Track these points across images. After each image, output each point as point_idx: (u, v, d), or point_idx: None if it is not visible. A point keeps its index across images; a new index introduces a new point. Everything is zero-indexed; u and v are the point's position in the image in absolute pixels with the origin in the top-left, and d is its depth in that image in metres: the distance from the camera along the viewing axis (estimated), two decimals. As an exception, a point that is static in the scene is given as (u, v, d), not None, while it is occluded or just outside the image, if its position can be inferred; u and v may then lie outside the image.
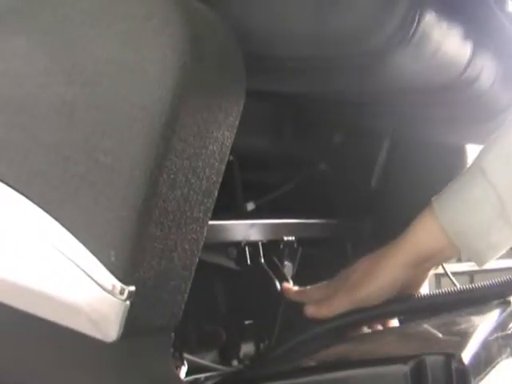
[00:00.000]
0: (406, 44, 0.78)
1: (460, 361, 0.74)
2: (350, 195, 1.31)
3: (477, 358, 0.78)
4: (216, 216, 0.85)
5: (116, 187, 0.71)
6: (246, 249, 1.06)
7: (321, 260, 1.30)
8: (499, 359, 0.89)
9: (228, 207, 1.14)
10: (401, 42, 0.78)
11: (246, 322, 1.31)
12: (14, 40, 0.79)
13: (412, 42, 0.78)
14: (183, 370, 1.02)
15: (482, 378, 0.80)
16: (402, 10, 0.78)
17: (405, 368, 0.75)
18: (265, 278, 1.14)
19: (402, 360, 0.76)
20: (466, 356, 0.75)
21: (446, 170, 1.27)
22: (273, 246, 1.12)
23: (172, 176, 0.71)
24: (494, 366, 0.87)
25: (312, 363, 0.82)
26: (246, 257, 1.07)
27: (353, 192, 1.31)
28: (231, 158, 1.09)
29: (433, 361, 0.75)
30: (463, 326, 0.88)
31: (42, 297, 0.75)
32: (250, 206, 1.19)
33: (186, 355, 1.07)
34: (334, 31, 0.80)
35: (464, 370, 0.74)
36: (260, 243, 1.09)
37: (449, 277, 1.31)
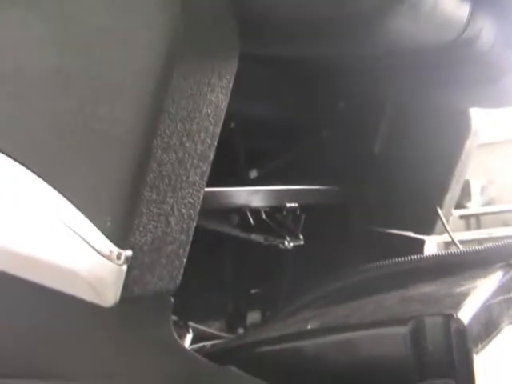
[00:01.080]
0: (402, 2, 0.77)
1: (458, 321, 0.74)
2: (353, 162, 1.31)
3: (476, 318, 0.78)
4: (218, 183, 0.85)
5: (111, 153, 0.71)
6: (249, 215, 1.06)
7: (325, 230, 1.30)
8: (502, 324, 0.89)
9: (231, 175, 1.13)
10: (397, 1, 0.77)
11: (253, 291, 1.32)
12: (9, 11, 0.79)
13: (408, 1, 0.78)
14: (188, 337, 1.03)
15: (484, 342, 0.80)
16: None
17: (404, 329, 0.75)
18: (268, 246, 1.14)
19: (402, 322, 0.76)
20: (465, 316, 0.75)
21: (450, 133, 1.27)
22: (276, 214, 1.12)
23: (166, 139, 0.71)
24: (498, 331, 0.87)
25: (313, 326, 0.82)
26: (249, 223, 1.07)
27: (356, 158, 1.31)
28: (232, 125, 1.09)
29: (431, 321, 0.75)
30: (464, 288, 0.87)
31: (41, 264, 0.75)
32: (253, 174, 1.19)
33: (191, 323, 1.08)
34: None
35: (462, 331, 0.74)
36: (263, 210, 1.09)
37: (456, 245, 1.31)
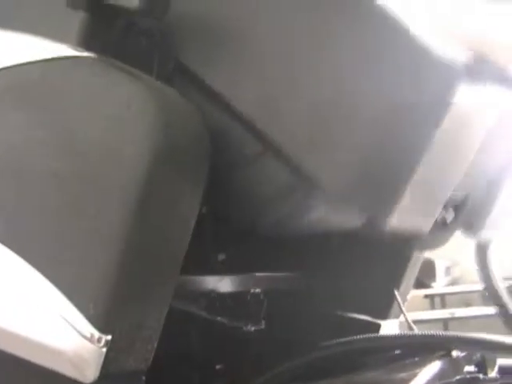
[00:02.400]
0: None
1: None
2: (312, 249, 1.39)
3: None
4: (187, 266, 0.96)
5: (96, 249, 0.83)
6: (215, 299, 1.16)
7: (287, 313, 1.38)
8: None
9: (200, 258, 1.23)
10: None
11: (217, 367, 1.40)
12: (12, 115, 0.91)
13: None
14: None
15: None
16: None
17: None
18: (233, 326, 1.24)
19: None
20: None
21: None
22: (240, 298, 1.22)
23: (145, 243, 0.82)
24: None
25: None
26: (215, 307, 1.17)
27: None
28: (203, 210, 1.20)
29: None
30: (404, 375, 0.98)
31: (28, 342, 0.86)
32: (221, 257, 1.28)
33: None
34: None
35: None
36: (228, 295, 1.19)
37: (410, 327, 1.39)
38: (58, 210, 0.85)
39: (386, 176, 0.91)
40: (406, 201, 0.92)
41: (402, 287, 1.37)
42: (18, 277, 0.86)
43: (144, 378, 0.91)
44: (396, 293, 1.34)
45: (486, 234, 1.20)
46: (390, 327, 1.40)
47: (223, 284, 1.18)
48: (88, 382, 0.83)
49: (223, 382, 1.35)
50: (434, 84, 0.88)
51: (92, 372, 0.82)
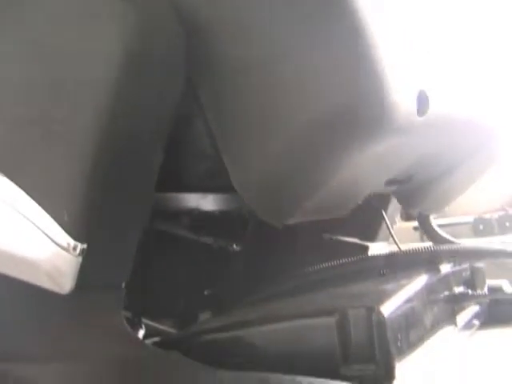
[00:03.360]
0: None
1: (379, 313, 0.82)
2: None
3: (397, 313, 0.87)
4: (168, 185, 0.94)
5: (67, 153, 0.79)
6: (199, 217, 1.14)
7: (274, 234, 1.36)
8: (425, 323, 0.98)
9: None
10: None
11: (205, 292, 1.39)
12: None
13: None
14: (141, 333, 1.10)
15: (404, 337, 0.88)
16: None
17: (329, 320, 0.84)
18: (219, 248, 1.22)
19: (328, 313, 0.85)
20: (386, 310, 0.84)
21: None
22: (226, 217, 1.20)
23: (116, 148, 0.79)
24: (427, 334, 0.96)
25: (246, 318, 0.91)
26: (200, 225, 1.15)
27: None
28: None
29: (355, 313, 0.83)
30: (390, 286, 0.96)
31: (3, 254, 0.83)
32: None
33: (143, 320, 1.15)
34: None
35: (383, 323, 0.82)
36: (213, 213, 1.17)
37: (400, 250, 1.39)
38: (29, 118, 0.82)
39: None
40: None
41: (390, 209, 1.36)
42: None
43: (123, 292, 0.89)
44: (384, 213, 1.33)
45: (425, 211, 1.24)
46: (378, 249, 1.39)
47: (206, 202, 1.15)
48: (64, 292, 0.80)
49: (211, 308, 1.33)
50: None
51: (68, 282, 0.80)
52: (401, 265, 1.09)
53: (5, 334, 0.88)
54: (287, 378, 0.78)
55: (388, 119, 0.81)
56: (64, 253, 0.79)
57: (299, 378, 0.78)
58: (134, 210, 0.84)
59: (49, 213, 0.80)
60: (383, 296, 0.88)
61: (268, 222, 0.92)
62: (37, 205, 0.80)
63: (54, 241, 0.80)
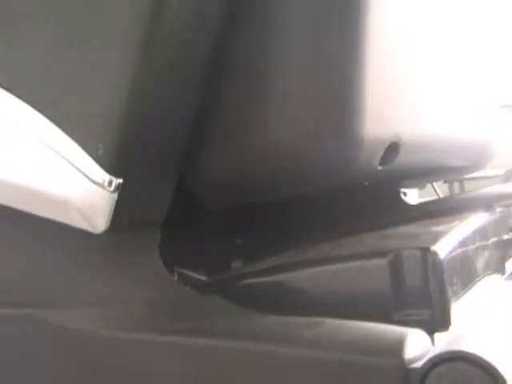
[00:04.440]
0: None
1: (435, 254, 0.77)
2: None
3: (452, 254, 0.81)
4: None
5: (103, 82, 0.73)
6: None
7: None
8: (478, 266, 0.92)
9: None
10: None
11: (237, 241, 1.35)
12: None
13: None
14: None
15: (458, 280, 0.83)
16: None
17: (382, 262, 0.78)
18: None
19: (381, 254, 0.79)
20: (441, 251, 0.78)
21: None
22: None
23: (156, 71, 0.73)
24: (476, 280, 0.90)
25: (294, 260, 0.85)
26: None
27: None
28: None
29: (409, 254, 0.78)
30: (443, 228, 0.91)
31: (33, 193, 0.78)
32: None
33: (176, 268, 1.10)
34: None
35: (438, 263, 0.77)
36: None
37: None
38: (58, 44, 0.76)
39: None
40: None
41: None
42: (16, 121, 0.77)
43: (159, 233, 0.84)
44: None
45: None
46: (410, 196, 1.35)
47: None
48: (97, 231, 0.75)
49: (242, 258, 1.29)
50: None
51: (102, 220, 0.75)
52: (450, 209, 1.04)
53: (31, 277, 0.83)
54: (340, 322, 0.73)
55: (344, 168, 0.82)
56: (98, 189, 0.74)
57: (352, 323, 0.72)
58: (172, 145, 0.79)
59: (82, 147, 0.74)
60: (437, 237, 0.83)
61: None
62: (69, 139, 0.75)
63: (87, 176, 0.74)
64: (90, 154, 0.74)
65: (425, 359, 0.65)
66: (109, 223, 0.75)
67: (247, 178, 0.83)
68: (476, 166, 1.18)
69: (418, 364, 0.65)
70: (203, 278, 1.17)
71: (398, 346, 0.66)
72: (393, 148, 0.86)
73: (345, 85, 0.80)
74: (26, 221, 0.81)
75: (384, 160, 0.85)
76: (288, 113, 0.81)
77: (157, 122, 0.76)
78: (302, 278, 0.81)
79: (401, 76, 0.85)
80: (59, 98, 0.75)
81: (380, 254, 0.79)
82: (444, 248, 0.79)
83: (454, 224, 0.92)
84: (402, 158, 0.88)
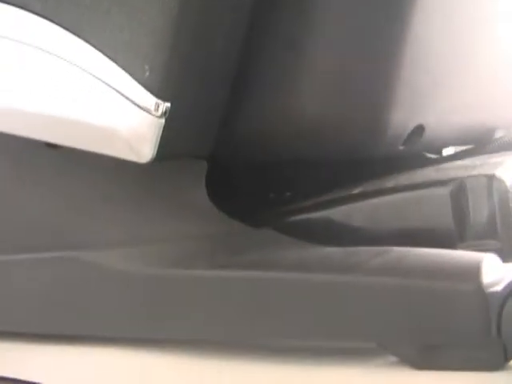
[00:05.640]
0: None
1: (500, 180, 0.73)
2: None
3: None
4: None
5: (149, 1, 0.68)
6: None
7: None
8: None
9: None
10: None
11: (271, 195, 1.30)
12: None
13: None
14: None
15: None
16: None
17: (445, 190, 0.74)
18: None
19: (441, 183, 0.75)
20: (506, 178, 0.74)
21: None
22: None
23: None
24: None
25: (349, 193, 0.81)
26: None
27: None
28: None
29: (473, 181, 0.74)
30: (504, 159, 0.86)
31: (73, 124, 0.73)
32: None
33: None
34: None
35: (504, 190, 0.73)
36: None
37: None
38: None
39: None
40: None
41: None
42: (54, 48, 0.73)
43: (206, 164, 0.79)
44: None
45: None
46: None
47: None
48: (143, 161, 0.70)
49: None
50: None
51: (149, 149, 0.70)
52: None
53: (72, 218, 0.79)
54: (406, 249, 0.68)
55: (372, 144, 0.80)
56: (144, 114, 0.69)
57: (419, 250, 0.68)
58: (220, 73, 0.74)
59: (125, 69, 0.69)
60: (497, 168, 0.78)
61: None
62: (110, 61, 0.70)
63: (132, 101, 0.69)
64: (136, 77, 0.69)
65: (504, 283, 0.61)
66: (155, 152, 0.70)
67: (273, 146, 0.79)
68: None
69: (497, 288, 0.60)
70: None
71: (475, 270, 0.62)
72: (416, 131, 0.84)
73: (379, 68, 0.77)
74: (65, 158, 0.77)
75: (407, 141, 0.83)
76: (319, 87, 0.77)
77: (206, 41, 0.71)
78: (360, 209, 0.77)
79: (432, 67, 0.82)
80: (101, 19, 0.70)
81: (441, 182, 0.75)
82: (509, 176, 0.75)
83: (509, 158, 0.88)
84: (425, 140, 0.86)
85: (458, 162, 0.89)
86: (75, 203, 0.79)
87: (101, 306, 0.74)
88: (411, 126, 0.82)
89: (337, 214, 0.78)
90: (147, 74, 0.69)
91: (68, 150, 0.75)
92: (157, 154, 0.71)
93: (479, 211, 0.74)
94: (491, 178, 0.74)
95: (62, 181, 0.79)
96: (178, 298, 0.71)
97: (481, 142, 0.99)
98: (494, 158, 0.88)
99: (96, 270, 0.74)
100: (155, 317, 0.72)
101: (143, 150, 0.71)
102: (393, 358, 0.65)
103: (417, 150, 0.90)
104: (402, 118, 0.80)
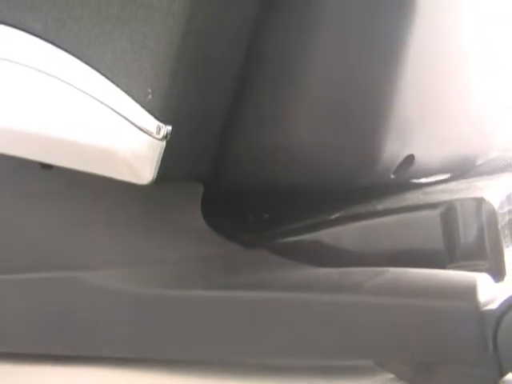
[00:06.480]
0: None
1: (489, 203, 0.75)
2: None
3: (503, 207, 0.79)
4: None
5: (152, 24, 0.70)
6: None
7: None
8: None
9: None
10: None
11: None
12: None
13: None
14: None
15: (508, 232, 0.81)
16: None
17: (435, 212, 0.76)
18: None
19: (431, 206, 0.77)
20: (494, 201, 0.76)
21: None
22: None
23: (208, 11, 0.70)
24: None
25: (341, 215, 0.83)
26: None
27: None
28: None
29: (462, 204, 0.76)
30: (488, 183, 0.89)
31: (74, 145, 0.74)
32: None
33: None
34: None
35: (493, 212, 0.75)
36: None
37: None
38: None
39: None
40: None
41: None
42: (56, 71, 0.74)
43: (202, 187, 0.80)
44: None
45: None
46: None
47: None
48: (144, 182, 0.71)
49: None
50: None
51: (150, 171, 0.71)
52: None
53: (70, 239, 0.80)
54: (402, 270, 0.70)
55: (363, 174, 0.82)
56: (146, 136, 0.71)
57: (415, 270, 0.70)
58: (220, 98, 0.75)
59: (128, 93, 0.71)
60: (486, 191, 0.81)
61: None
62: (113, 86, 0.71)
63: (134, 124, 0.71)
64: (138, 100, 0.70)
65: (499, 302, 0.63)
66: (155, 174, 0.71)
67: (265, 169, 0.81)
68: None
69: (492, 306, 0.62)
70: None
71: (470, 289, 0.64)
72: (407, 161, 0.86)
73: (371, 100, 0.79)
74: (65, 180, 0.78)
75: (398, 170, 0.85)
76: (312, 119, 0.79)
77: (207, 66, 0.72)
78: (351, 231, 0.79)
79: (425, 98, 0.84)
80: (103, 43, 0.71)
81: (431, 205, 0.77)
82: (495, 199, 0.77)
83: (500, 180, 0.91)
84: (415, 168, 0.88)
85: (443, 186, 0.91)
86: (73, 225, 0.79)
87: (99, 326, 0.75)
88: (402, 155, 0.84)
89: (328, 235, 0.79)
90: (149, 96, 0.71)
91: (65, 171, 0.76)
92: (156, 177, 0.72)
93: (469, 233, 0.76)
94: (480, 200, 0.76)
95: (59, 202, 0.80)
96: (175, 318, 0.72)
97: (464, 169, 1.02)
98: (477, 182, 0.91)
99: (94, 291, 0.75)
100: (153, 337, 0.73)
101: (143, 171, 0.72)
102: (390, 376, 0.66)
103: (406, 178, 0.92)
104: (394, 148, 0.82)
